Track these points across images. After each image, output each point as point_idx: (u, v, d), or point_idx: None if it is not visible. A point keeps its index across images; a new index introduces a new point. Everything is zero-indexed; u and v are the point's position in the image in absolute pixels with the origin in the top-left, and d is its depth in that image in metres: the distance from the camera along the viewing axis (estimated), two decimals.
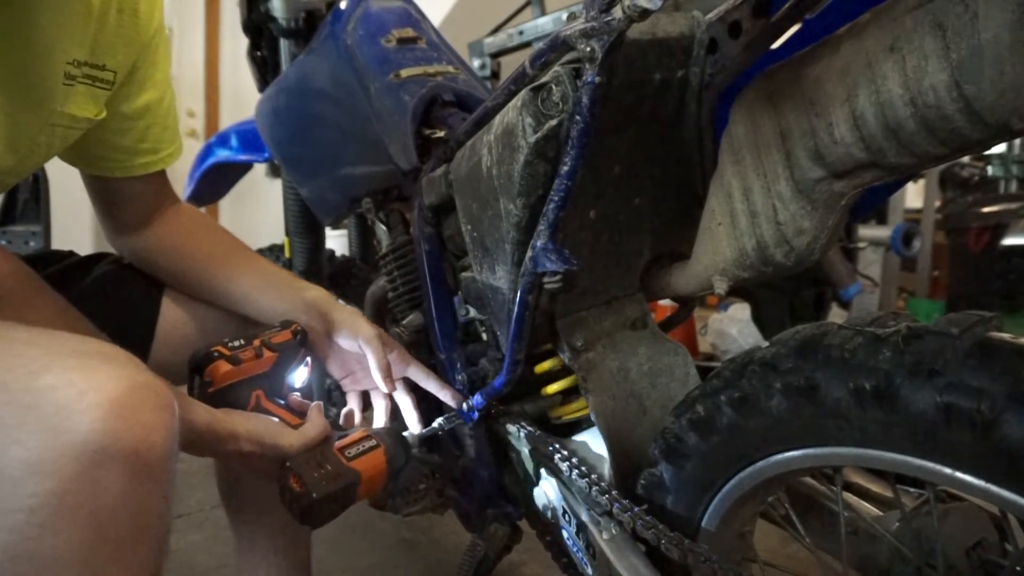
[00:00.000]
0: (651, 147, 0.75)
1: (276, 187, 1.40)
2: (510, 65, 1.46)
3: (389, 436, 0.77)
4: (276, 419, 0.73)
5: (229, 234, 0.93)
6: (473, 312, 0.89)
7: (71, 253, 0.90)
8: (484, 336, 0.89)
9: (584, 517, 0.76)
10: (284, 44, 1.24)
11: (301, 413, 0.75)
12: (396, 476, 0.76)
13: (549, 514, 0.82)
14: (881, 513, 0.70)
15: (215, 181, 1.65)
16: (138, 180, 0.85)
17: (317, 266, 1.35)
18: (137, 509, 0.50)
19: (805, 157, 0.59)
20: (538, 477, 0.84)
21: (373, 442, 0.75)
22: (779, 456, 0.60)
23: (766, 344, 0.62)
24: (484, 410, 0.86)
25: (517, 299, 0.70)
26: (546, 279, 0.67)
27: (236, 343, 0.74)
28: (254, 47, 1.31)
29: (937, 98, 0.49)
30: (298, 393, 0.79)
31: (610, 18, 0.55)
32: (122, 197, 0.87)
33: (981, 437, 0.47)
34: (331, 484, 0.69)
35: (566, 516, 0.79)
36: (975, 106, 0.48)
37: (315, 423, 0.73)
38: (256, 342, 0.75)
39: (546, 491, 0.82)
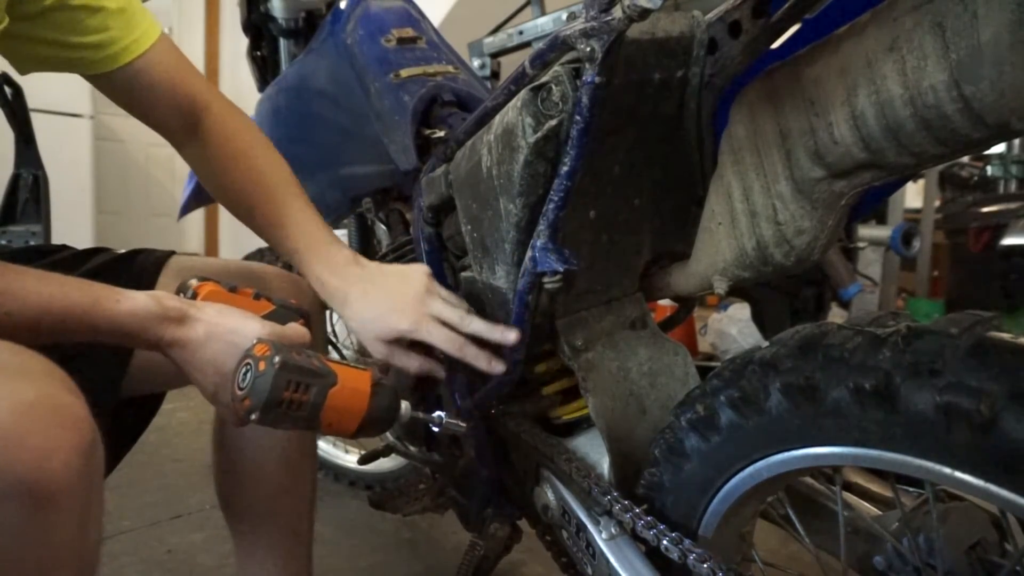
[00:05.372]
0: (651, 147, 0.75)
1: None
2: (510, 65, 1.46)
3: (383, 376, 0.70)
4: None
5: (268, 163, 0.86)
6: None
7: (64, 247, 0.89)
8: None
9: (584, 517, 0.76)
10: (284, 44, 1.25)
11: None
12: (374, 424, 0.67)
13: (549, 514, 0.82)
14: (880, 513, 0.70)
15: None
16: (121, 74, 0.78)
17: None
18: (39, 544, 0.46)
19: (805, 157, 0.59)
20: (538, 477, 0.84)
21: (364, 367, 0.69)
22: (779, 456, 0.60)
23: (766, 344, 0.62)
24: (484, 410, 0.86)
25: (517, 299, 0.70)
26: (546, 279, 0.67)
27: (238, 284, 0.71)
28: (254, 47, 1.31)
29: (937, 98, 0.49)
30: None
31: (610, 18, 0.55)
32: (130, 98, 0.81)
33: (981, 437, 0.47)
34: (302, 361, 0.61)
35: (566, 516, 0.79)
36: (974, 106, 0.48)
37: (293, 327, 0.69)
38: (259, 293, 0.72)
39: (546, 491, 0.82)
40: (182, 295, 0.68)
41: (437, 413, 0.75)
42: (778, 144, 0.61)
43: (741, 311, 2.58)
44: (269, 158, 0.85)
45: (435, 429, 0.75)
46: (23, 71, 0.79)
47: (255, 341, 0.62)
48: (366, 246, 1.50)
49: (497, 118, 0.71)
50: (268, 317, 0.69)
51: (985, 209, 2.85)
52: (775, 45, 0.66)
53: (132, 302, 0.60)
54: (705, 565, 0.61)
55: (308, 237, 0.81)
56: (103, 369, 0.77)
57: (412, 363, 0.79)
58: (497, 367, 0.75)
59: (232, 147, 0.84)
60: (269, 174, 0.84)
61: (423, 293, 0.77)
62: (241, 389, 0.60)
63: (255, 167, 0.84)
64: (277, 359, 0.59)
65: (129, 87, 0.80)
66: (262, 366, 0.59)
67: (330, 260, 0.80)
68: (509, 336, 0.73)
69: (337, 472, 1.68)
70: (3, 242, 1.52)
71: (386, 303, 0.77)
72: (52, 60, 0.77)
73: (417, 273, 0.79)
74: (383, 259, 1.05)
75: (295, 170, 1.20)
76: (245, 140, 0.85)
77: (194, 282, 0.69)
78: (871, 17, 0.54)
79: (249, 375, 0.60)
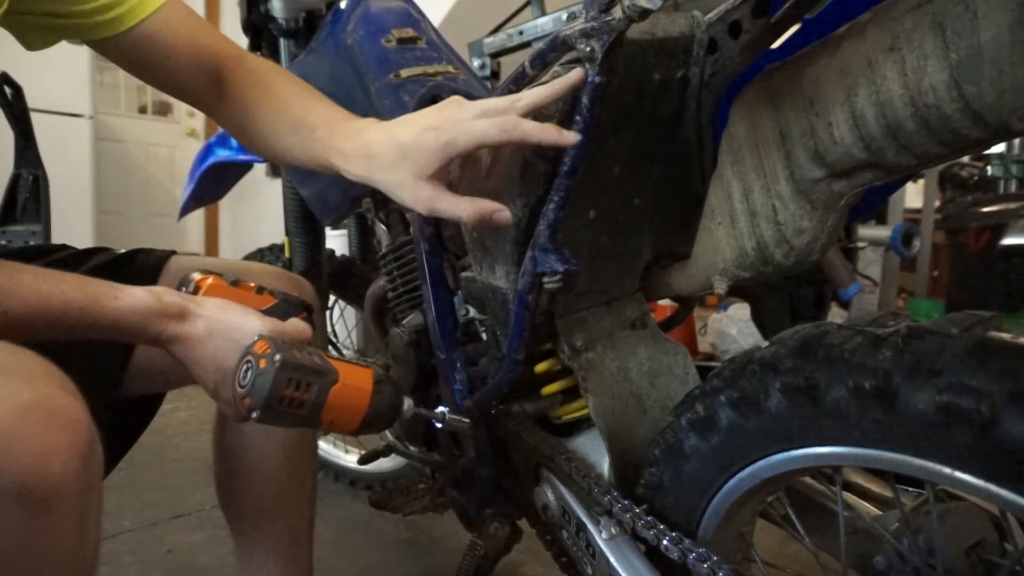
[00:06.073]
0: (651, 147, 0.75)
1: (276, 187, 1.40)
2: (510, 65, 1.46)
3: (385, 373, 0.68)
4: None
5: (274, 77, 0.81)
6: (473, 312, 0.89)
7: (64, 246, 0.89)
8: (484, 336, 0.89)
9: (584, 517, 0.76)
10: (284, 44, 1.24)
11: None
12: (375, 421, 0.66)
13: (549, 514, 0.82)
14: (881, 513, 0.70)
15: (215, 181, 1.65)
16: (132, 37, 0.76)
17: (317, 266, 1.35)
18: (36, 546, 0.46)
19: (805, 157, 0.59)
20: (538, 477, 0.84)
21: (365, 364, 0.68)
22: (779, 456, 0.60)
23: (766, 344, 0.62)
24: (484, 410, 0.86)
25: (517, 299, 0.70)
26: (546, 279, 0.67)
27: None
28: (254, 47, 1.31)
29: (937, 98, 0.49)
30: None
31: (610, 18, 0.55)
32: (148, 63, 0.79)
33: (981, 437, 0.47)
34: (303, 359, 0.60)
35: (566, 516, 0.79)
36: (974, 106, 0.48)
37: (294, 323, 0.67)
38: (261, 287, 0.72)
39: (546, 491, 0.82)
40: (184, 289, 0.68)
41: (440, 409, 0.74)
42: (778, 144, 0.61)
43: (741, 311, 2.58)
44: (290, 80, 0.82)
45: (438, 426, 0.75)
46: (31, 47, 0.77)
47: (256, 338, 0.62)
48: (366, 246, 1.51)
49: None
50: (270, 311, 0.69)
51: (985, 209, 2.85)
52: (775, 45, 0.66)
53: (131, 298, 0.60)
54: (705, 565, 0.61)
55: (328, 118, 0.74)
56: (102, 369, 0.77)
57: (464, 208, 0.63)
58: (569, 136, 0.60)
59: (259, 83, 0.81)
60: (288, 90, 0.80)
61: (456, 103, 0.65)
62: (242, 387, 0.60)
63: (280, 94, 0.80)
64: (278, 357, 0.59)
65: (143, 50, 0.78)
66: (262, 364, 0.59)
67: (348, 128, 0.72)
68: (574, 74, 0.59)
69: (337, 472, 1.68)
70: (3, 242, 1.52)
71: (416, 127, 0.64)
72: (57, 29, 0.76)
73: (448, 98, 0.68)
74: (383, 259, 1.05)
75: (295, 170, 1.21)
76: (266, 73, 0.82)
77: (196, 275, 0.69)
78: (871, 17, 0.54)
79: (250, 373, 0.59)
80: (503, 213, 0.63)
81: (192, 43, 0.79)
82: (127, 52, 0.78)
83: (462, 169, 0.66)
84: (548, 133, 0.60)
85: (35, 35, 0.76)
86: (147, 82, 0.82)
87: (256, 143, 0.82)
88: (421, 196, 0.64)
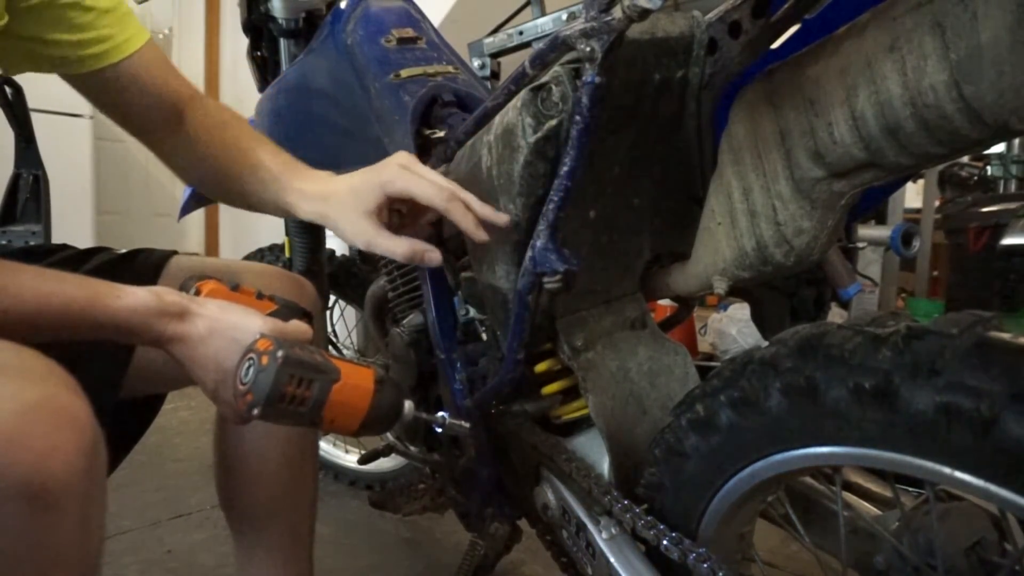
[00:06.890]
0: (651, 147, 0.75)
1: None
2: (510, 65, 1.46)
3: (386, 374, 0.69)
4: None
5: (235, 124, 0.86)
6: (473, 312, 0.89)
7: (64, 246, 0.89)
8: (484, 336, 0.89)
9: (584, 517, 0.76)
10: (284, 44, 1.24)
11: None
12: (376, 422, 0.66)
13: (549, 514, 0.82)
14: (880, 513, 0.70)
15: None
16: (114, 72, 0.78)
17: (317, 266, 1.35)
18: (41, 545, 0.46)
19: (805, 157, 0.59)
20: (538, 477, 0.84)
21: (367, 365, 0.68)
22: (779, 456, 0.60)
23: (766, 344, 0.62)
24: (484, 410, 0.86)
25: (517, 299, 0.70)
26: (546, 279, 0.67)
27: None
28: (254, 47, 1.31)
29: (936, 98, 0.49)
30: None
31: (610, 18, 0.55)
32: (119, 96, 0.81)
33: (980, 437, 0.47)
34: (305, 356, 0.61)
35: (566, 516, 0.79)
36: (974, 106, 0.48)
37: (295, 323, 0.68)
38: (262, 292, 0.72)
39: (546, 491, 0.82)
40: (184, 292, 0.68)
41: (440, 413, 0.74)
42: (778, 144, 0.61)
43: (741, 311, 2.59)
44: (249, 130, 0.86)
45: (438, 430, 0.75)
46: (13, 71, 0.79)
47: (257, 336, 0.62)
48: None
49: (497, 118, 0.71)
50: (270, 316, 0.69)
51: (985, 209, 2.84)
52: (775, 45, 0.66)
53: (132, 298, 0.60)
54: (705, 565, 0.61)
55: (284, 162, 0.81)
56: (103, 369, 0.77)
57: (399, 246, 0.71)
58: (481, 234, 0.69)
59: (220, 125, 0.85)
60: (248, 136, 0.84)
61: (407, 156, 0.73)
62: (243, 384, 0.60)
63: (234, 134, 0.84)
64: (280, 353, 0.59)
65: (121, 85, 0.80)
66: (264, 360, 0.59)
67: (308, 173, 0.79)
68: (501, 218, 0.69)
69: (337, 472, 1.68)
70: (3, 242, 1.52)
71: (366, 172, 0.73)
72: (42, 58, 0.76)
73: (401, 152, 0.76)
74: (383, 259, 1.05)
75: None
76: (225, 117, 0.86)
77: (196, 280, 0.69)
78: (871, 17, 0.54)
79: (252, 370, 0.59)
80: (433, 254, 0.72)
81: (163, 86, 0.83)
82: (101, 87, 0.80)
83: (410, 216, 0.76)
84: (467, 222, 0.69)
85: (16, 60, 0.77)
86: (110, 116, 0.84)
87: (208, 181, 0.86)
88: (360, 230, 0.71)
